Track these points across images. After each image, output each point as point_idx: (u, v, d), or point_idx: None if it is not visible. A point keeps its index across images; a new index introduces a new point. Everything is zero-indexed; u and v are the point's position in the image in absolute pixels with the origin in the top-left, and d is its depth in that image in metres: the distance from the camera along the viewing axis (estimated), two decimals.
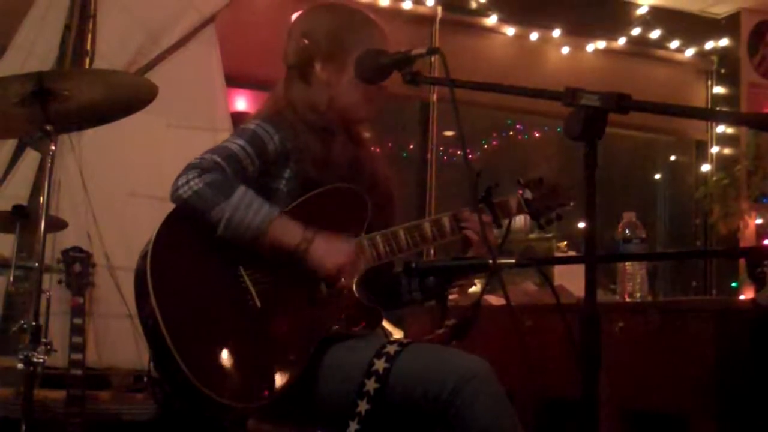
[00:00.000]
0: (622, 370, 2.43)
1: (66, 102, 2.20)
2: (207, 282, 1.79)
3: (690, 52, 5.80)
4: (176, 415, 3.18)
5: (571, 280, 2.61)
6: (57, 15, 3.92)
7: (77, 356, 3.06)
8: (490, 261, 1.82)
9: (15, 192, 3.63)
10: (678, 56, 5.80)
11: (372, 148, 2.14)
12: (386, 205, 2.05)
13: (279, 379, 1.74)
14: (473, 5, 5.22)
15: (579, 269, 1.26)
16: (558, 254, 4.01)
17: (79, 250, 3.28)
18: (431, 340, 1.94)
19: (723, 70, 5.88)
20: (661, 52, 5.75)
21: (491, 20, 5.27)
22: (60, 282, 3.22)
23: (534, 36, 5.39)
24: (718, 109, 5.78)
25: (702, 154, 5.94)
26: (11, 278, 3.04)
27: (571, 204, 2.19)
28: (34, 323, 2.21)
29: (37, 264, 2.26)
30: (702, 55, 5.85)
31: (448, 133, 5.26)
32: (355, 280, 1.86)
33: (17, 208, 2.95)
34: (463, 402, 1.67)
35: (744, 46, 5.79)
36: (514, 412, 1.71)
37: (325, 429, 1.83)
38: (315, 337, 1.81)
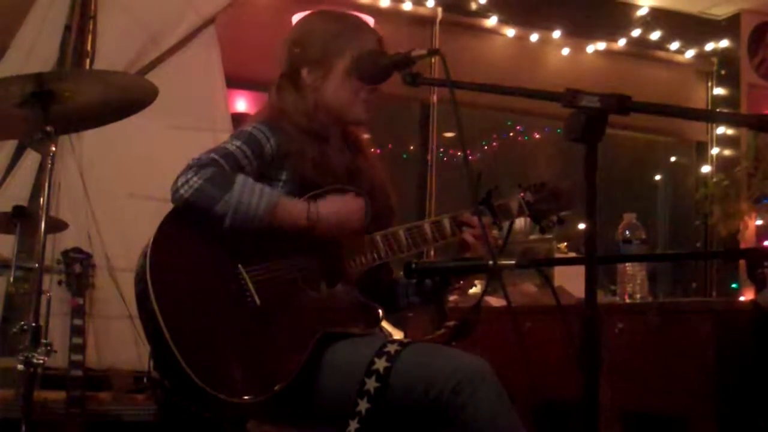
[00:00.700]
0: (622, 371, 2.43)
1: (66, 103, 2.20)
2: (207, 280, 1.80)
3: (690, 53, 5.80)
4: (176, 416, 3.18)
5: (572, 281, 2.62)
6: (57, 15, 3.92)
7: (77, 357, 3.06)
8: (490, 262, 1.82)
9: (15, 193, 3.63)
10: (678, 57, 5.80)
11: (371, 153, 2.15)
12: (385, 211, 2.06)
13: (278, 377, 1.74)
14: (473, 6, 5.22)
15: (579, 270, 1.26)
16: (558, 255, 4.01)
17: (79, 251, 3.29)
18: (432, 341, 1.94)
19: (723, 72, 5.88)
20: (661, 54, 5.75)
21: (491, 21, 5.27)
22: (60, 283, 3.22)
23: (534, 37, 5.39)
24: (718, 110, 5.78)
25: (702, 155, 5.94)
26: (11, 279, 3.05)
27: (573, 208, 2.20)
28: (34, 324, 2.20)
29: (37, 265, 2.26)
30: (702, 56, 5.84)
31: (449, 135, 5.26)
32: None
33: (17, 209, 2.96)
34: (464, 401, 1.67)
35: (744, 48, 5.79)
36: (515, 411, 1.72)
37: (325, 428, 1.83)
38: (314, 335, 1.81)
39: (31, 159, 3.74)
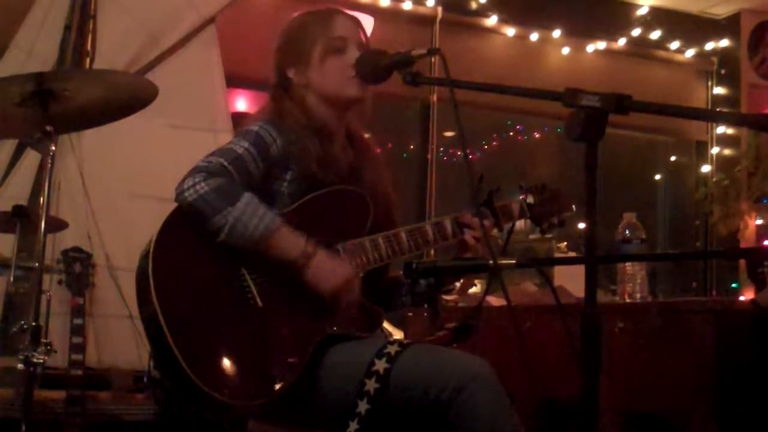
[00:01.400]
0: (622, 371, 2.43)
1: (66, 102, 2.20)
2: (208, 280, 1.80)
3: (690, 52, 5.80)
4: (176, 416, 3.18)
5: (571, 280, 2.61)
6: (57, 15, 3.92)
7: (77, 357, 3.06)
8: (491, 262, 1.82)
9: (15, 192, 3.63)
10: (678, 57, 5.81)
11: (374, 153, 2.15)
12: (387, 212, 2.06)
13: (279, 378, 1.74)
14: (474, 6, 5.22)
15: (579, 270, 1.26)
16: (558, 255, 4.01)
17: (79, 250, 3.28)
18: (432, 342, 1.94)
19: (723, 71, 5.89)
20: (661, 53, 5.76)
21: (492, 21, 5.27)
22: (60, 282, 3.22)
23: (534, 36, 5.39)
24: (718, 109, 5.78)
25: (702, 154, 5.94)
26: (11, 278, 3.05)
27: (573, 210, 2.20)
28: (34, 324, 2.21)
29: (37, 264, 2.26)
30: (702, 55, 5.85)
31: (449, 134, 5.26)
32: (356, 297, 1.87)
33: (17, 209, 2.96)
34: (464, 402, 1.67)
35: (744, 47, 5.79)
36: (515, 412, 1.72)
37: (326, 429, 1.83)
38: (315, 337, 1.81)
39: (31, 158, 3.74)
